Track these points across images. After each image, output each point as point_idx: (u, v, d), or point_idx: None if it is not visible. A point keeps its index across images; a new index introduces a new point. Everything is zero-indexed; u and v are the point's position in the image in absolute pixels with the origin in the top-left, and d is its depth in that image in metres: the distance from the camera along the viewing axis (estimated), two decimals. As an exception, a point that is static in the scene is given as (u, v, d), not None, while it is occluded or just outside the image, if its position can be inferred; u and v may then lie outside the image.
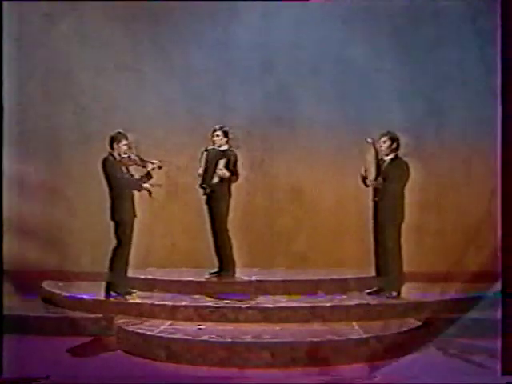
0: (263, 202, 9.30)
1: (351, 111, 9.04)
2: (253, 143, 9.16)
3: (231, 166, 8.30)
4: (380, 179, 7.70)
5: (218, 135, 8.35)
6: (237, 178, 8.37)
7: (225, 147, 8.37)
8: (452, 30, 8.78)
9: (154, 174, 7.82)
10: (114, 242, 7.70)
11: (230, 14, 9.05)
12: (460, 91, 8.82)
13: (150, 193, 7.82)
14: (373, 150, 7.70)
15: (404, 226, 7.76)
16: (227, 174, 8.27)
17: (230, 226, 8.31)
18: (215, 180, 8.26)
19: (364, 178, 7.84)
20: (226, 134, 8.36)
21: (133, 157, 7.82)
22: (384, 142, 7.77)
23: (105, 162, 7.74)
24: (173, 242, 9.11)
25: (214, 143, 8.40)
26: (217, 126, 8.37)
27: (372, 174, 7.71)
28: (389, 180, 7.70)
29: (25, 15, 8.50)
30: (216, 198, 8.30)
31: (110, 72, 9.01)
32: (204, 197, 8.37)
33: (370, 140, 7.73)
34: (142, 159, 7.83)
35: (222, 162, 8.27)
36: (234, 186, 8.37)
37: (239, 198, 8.55)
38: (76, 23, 8.93)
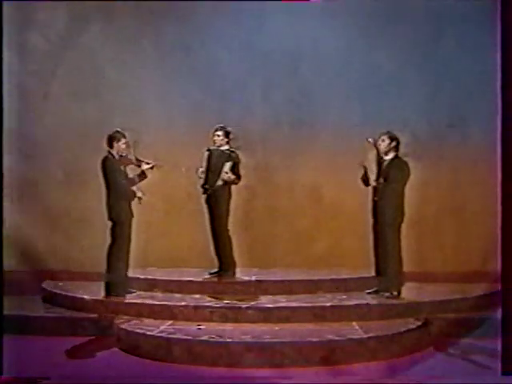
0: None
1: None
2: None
3: (235, 169, 8.30)
4: (381, 179, 7.70)
5: (218, 135, 8.34)
6: (239, 180, 8.37)
7: (225, 147, 8.35)
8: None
9: (148, 173, 7.82)
10: (109, 241, 7.70)
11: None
12: (461, 89, 8.79)
13: (140, 200, 7.77)
14: (374, 151, 7.71)
15: (404, 225, 7.77)
16: (232, 177, 8.27)
17: (230, 226, 8.34)
18: (219, 183, 8.26)
19: (364, 177, 7.84)
20: (226, 134, 8.35)
21: (130, 156, 7.83)
22: (383, 140, 7.77)
23: (105, 161, 7.73)
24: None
25: (214, 143, 8.38)
26: (217, 126, 8.36)
27: (373, 174, 7.72)
28: (389, 180, 7.70)
29: (25, 16, 8.48)
30: (216, 197, 8.30)
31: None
32: (204, 196, 8.38)
33: (371, 140, 7.74)
34: (137, 159, 7.84)
35: (228, 166, 8.26)
36: (242, 186, 8.42)
37: (239, 198, 8.55)
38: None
